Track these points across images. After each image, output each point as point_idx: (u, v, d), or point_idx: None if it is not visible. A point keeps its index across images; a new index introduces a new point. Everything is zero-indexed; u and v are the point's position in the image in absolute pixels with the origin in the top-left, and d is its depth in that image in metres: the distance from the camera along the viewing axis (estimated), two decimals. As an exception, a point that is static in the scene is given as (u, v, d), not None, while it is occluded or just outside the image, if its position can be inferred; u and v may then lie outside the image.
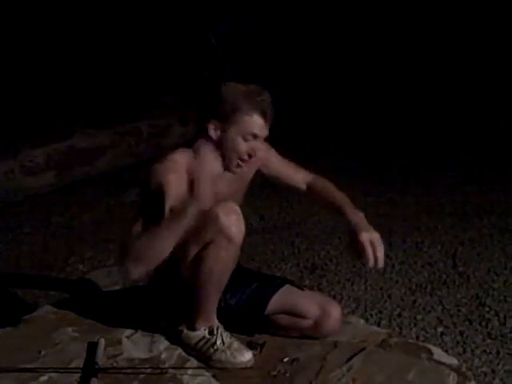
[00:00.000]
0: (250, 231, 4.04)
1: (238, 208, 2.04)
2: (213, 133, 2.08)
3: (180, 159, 2.07)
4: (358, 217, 2.22)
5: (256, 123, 2.06)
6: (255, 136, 2.08)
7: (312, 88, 7.14)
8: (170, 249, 1.99)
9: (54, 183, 4.95)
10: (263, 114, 2.06)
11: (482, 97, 7.14)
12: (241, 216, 2.02)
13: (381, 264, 2.10)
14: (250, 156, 2.10)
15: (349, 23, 7.86)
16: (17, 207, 4.59)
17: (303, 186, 2.39)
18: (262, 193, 4.65)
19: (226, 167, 2.13)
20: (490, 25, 7.70)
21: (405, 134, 6.21)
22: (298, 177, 2.38)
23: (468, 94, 7.21)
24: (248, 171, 2.25)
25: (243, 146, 2.08)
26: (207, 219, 1.99)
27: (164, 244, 1.97)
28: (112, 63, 6.03)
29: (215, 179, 2.09)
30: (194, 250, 2.04)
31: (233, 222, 1.99)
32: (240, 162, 2.11)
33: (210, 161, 2.10)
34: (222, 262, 2.02)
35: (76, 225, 4.33)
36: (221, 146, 2.09)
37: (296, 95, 6.87)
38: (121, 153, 5.45)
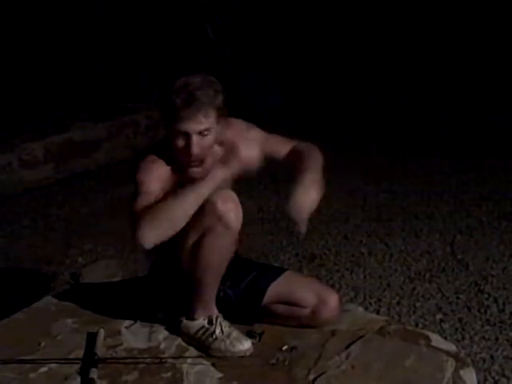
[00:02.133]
0: (248, 221, 4.07)
1: (235, 195, 2.02)
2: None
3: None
4: (306, 176, 2.14)
5: (177, 118, 1.96)
6: (182, 132, 1.98)
7: (311, 79, 7.13)
8: (191, 214, 1.95)
9: (51, 176, 4.95)
10: (193, 108, 1.94)
11: (481, 85, 7.13)
12: (238, 203, 2.01)
13: (301, 229, 2.14)
14: (189, 155, 2.00)
15: (350, 12, 7.84)
16: (15, 200, 4.59)
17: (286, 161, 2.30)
18: (260, 183, 4.65)
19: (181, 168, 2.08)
20: (492, 14, 7.69)
21: (403, 123, 6.21)
22: (285, 150, 2.28)
23: (466, 83, 7.20)
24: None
25: (178, 144, 2.00)
26: (204, 207, 1.98)
27: (187, 208, 1.94)
28: (109, 55, 6.01)
29: (181, 178, 2.07)
30: (192, 238, 2.03)
31: (230, 209, 1.98)
32: (192, 163, 2.04)
33: (168, 164, 2.07)
34: (219, 250, 2.02)
35: (74, 217, 4.33)
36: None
37: (295, 86, 6.86)
38: (118, 145, 5.45)
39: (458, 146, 5.50)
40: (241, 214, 2.02)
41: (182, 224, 1.95)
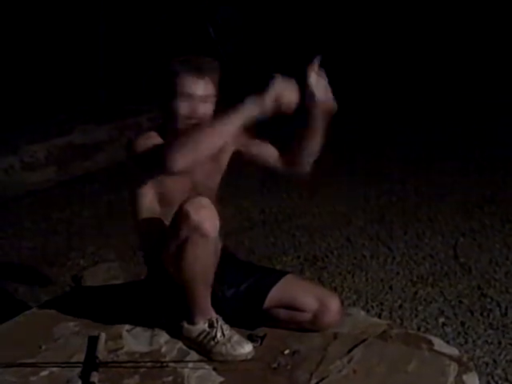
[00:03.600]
0: (250, 224, 4.11)
1: (208, 201, 1.99)
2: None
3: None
4: None
5: (188, 82, 2.05)
6: (189, 95, 2.04)
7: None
8: (224, 140, 1.99)
9: (54, 179, 4.95)
10: (195, 73, 2.04)
11: (482, 87, 7.12)
12: (212, 209, 1.98)
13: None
14: (194, 117, 2.05)
15: (351, 14, 7.84)
16: (17, 203, 4.58)
17: (278, 162, 2.32)
18: (262, 186, 4.65)
19: None
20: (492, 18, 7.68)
21: (404, 126, 6.19)
22: (276, 154, 2.31)
23: (468, 85, 7.19)
24: (220, 154, 2.18)
25: (182, 110, 2.05)
26: (179, 217, 1.97)
27: (223, 133, 1.96)
28: (110, 58, 6.02)
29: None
30: (172, 248, 2.02)
31: (204, 217, 1.94)
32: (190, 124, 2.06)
33: None
34: (201, 259, 2.00)
35: (76, 220, 4.33)
36: (166, 130, 2.09)
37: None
38: (120, 148, 5.41)
39: (460, 148, 5.49)
40: (217, 220, 1.98)
41: (218, 147, 1.99)
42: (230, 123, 1.95)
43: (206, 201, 1.99)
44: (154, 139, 2.07)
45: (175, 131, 2.04)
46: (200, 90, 2.06)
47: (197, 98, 2.06)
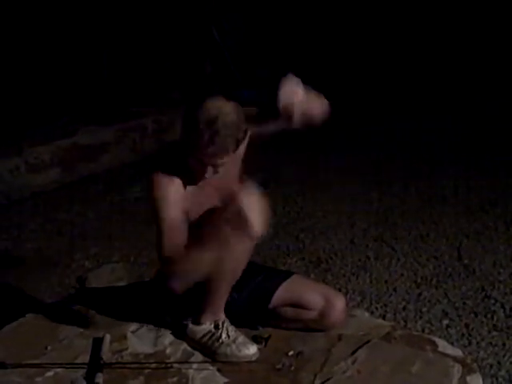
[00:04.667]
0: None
1: (259, 199, 1.85)
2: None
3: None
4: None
5: (199, 149, 1.94)
6: (207, 163, 1.97)
7: (317, 84, 7.11)
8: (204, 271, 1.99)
9: (58, 180, 4.96)
10: (207, 145, 1.91)
11: (484, 90, 7.11)
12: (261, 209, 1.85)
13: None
14: (202, 176, 2.02)
15: (352, 20, 7.84)
16: (22, 204, 4.60)
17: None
18: (266, 188, 4.64)
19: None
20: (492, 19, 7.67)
21: (407, 128, 6.19)
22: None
23: (469, 87, 7.18)
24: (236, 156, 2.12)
25: (194, 166, 2.01)
26: (227, 212, 1.86)
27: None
28: (115, 59, 6.03)
29: (192, 185, 2.07)
30: (207, 245, 1.95)
31: (257, 219, 1.82)
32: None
33: (178, 174, 2.05)
34: (238, 259, 2.03)
35: (81, 221, 4.34)
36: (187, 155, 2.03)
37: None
38: (125, 149, 5.45)
39: (464, 150, 5.48)
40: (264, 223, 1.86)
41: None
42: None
43: (257, 199, 1.86)
44: (169, 187, 2.01)
45: (193, 174, 2.04)
46: (215, 162, 1.98)
47: (215, 166, 1.99)
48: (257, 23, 7.10)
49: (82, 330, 2.29)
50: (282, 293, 2.25)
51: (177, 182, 2.03)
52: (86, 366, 2.06)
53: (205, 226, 1.97)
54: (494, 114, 6.45)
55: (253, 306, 2.24)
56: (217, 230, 1.89)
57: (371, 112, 6.76)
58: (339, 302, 2.24)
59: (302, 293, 2.25)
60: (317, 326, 2.24)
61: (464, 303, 3.14)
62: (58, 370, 2.05)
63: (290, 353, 2.14)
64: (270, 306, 2.25)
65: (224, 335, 2.11)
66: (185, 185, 2.06)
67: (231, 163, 2.10)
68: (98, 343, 2.16)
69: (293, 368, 2.07)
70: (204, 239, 1.92)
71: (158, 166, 2.07)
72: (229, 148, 1.96)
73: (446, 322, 2.98)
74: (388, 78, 7.51)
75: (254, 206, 1.83)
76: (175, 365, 2.07)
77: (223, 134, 1.91)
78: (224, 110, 1.93)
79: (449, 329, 2.92)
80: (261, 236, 1.85)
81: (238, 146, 1.99)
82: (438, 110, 6.74)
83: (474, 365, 2.15)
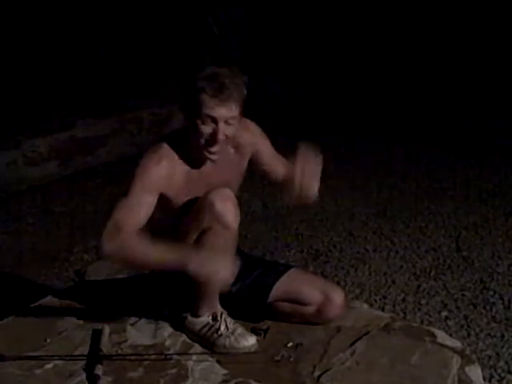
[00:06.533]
0: (253, 219, 4.10)
1: (232, 195, 2.02)
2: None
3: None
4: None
5: (208, 104, 1.94)
6: (212, 118, 1.96)
7: (313, 77, 7.11)
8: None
9: (56, 173, 4.95)
10: (215, 95, 1.93)
11: (484, 81, 7.10)
12: (236, 203, 2.02)
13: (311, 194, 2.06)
14: (214, 140, 1.98)
15: (351, 13, 7.81)
16: (19, 198, 4.59)
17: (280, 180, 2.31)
18: (264, 180, 4.63)
19: (198, 156, 2.05)
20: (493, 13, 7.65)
21: (405, 120, 6.19)
22: (282, 171, 2.29)
23: (469, 79, 7.17)
24: (240, 160, 2.19)
25: (204, 130, 1.97)
26: (203, 206, 1.99)
27: (154, 264, 2.02)
28: (112, 52, 6.01)
29: (191, 173, 2.07)
30: (192, 237, 2.04)
31: (228, 209, 1.99)
32: (210, 149, 2.00)
33: (180, 158, 2.05)
34: (219, 250, 2.00)
35: (79, 214, 4.33)
36: (188, 136, 2.03)
37: (297, 84, 6.84)
38: (122, 142, 5.44)
39: (462, 141, 5.48)
40: (238, 214, 2.03)
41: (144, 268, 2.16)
42: (161, 259, 1.95)
43: (231, 193, 2.02)
44: (159, 168, 2.01)
45: (199, 148, 2.02)
46: (227, 114, 1.96)
47: (220, 121, 1.96)
48: (260, 17, 7.07)
49: (81, 322, 2.29)
50: (280, 287, 2.24)
51: (166, 168, 2.02)
52: (85, 358, 2.06)
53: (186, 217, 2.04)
54: (493, 106, 6.45)
55: (251, 299, 2.24)
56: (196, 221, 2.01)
57: (368, 102, 6.75)
58: (337, 298, 2.24)
59: (300, 288, 2.25)
60: (315, 320, 2.24)
61: (463, 295, 3.14)
62: (58, 362, 2.05)
63: (289, 344, 2.14)
64: (269, 300, 2.25)
65: (223, 327, 2.11)
66: (177, 170, 2.05)
67: (233, 169, 2.15)
68: (97, 335, 2.16)
69: (292, 359, 2.07)
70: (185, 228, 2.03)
71: (158, 145, 2.06)
72: (236, 98, 1.96)
73: (444, 313, 2.99)
74: (387, 73, 7.49)
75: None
76: (174, 356, 2.08)
77: (228, 83, 1.94)
78: (220, 68, 2.01)
79: (448, 320, 2.92)
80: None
81: (242, 104, 2.00)
82: (436, 101, 6.73)
83: (473, 356, 2.16)
